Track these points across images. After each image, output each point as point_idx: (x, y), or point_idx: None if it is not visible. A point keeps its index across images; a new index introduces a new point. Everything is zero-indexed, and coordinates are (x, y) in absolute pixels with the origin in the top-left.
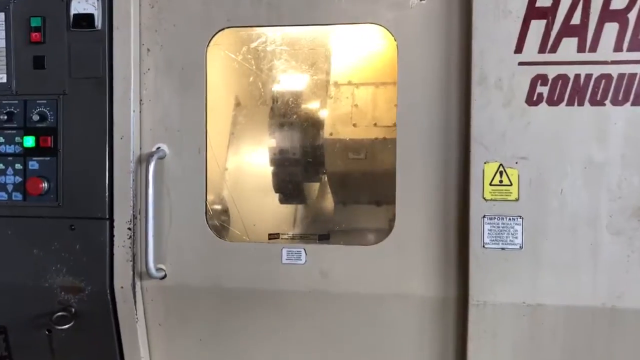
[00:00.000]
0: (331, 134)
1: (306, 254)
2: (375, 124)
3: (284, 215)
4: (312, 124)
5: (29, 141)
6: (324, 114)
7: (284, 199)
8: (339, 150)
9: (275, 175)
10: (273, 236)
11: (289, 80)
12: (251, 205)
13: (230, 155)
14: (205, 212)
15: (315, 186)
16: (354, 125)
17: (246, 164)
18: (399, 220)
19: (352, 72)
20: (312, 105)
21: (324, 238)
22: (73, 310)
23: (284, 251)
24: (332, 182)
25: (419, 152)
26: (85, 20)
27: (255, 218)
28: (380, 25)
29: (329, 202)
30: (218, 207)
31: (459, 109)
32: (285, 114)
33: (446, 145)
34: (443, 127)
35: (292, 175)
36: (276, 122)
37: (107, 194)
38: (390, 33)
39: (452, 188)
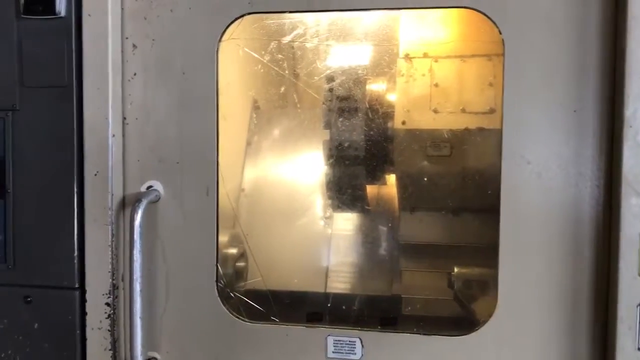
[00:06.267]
0: (404, 123)
1: (363, 345)
2: (463, 110)
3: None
4: (379, 110)
5: None
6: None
7: (339, 206)
8: (414, 145)
9: (329, 176)
10: (313, 316)
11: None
12: (275, 242)
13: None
14: (217, 279)
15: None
16: (434, 111)
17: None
18: (502, 303)
19: (429, 41)
20: (377, 86)
21: (388, 323)
22: None
23: (330, 340)
24: (401, 185)
25: (531, 217)
26: (42, 3)
27: (280, 264)
28: (479, 12)
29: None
30: (232, 251)
31: (598, 139)
32: (343, 97)
33: (577, 194)
34: (571, 166)
35: (352, 178)
36: (332, 109)
37: (75, 254)
38: (494, 23)
39: (586, 260)
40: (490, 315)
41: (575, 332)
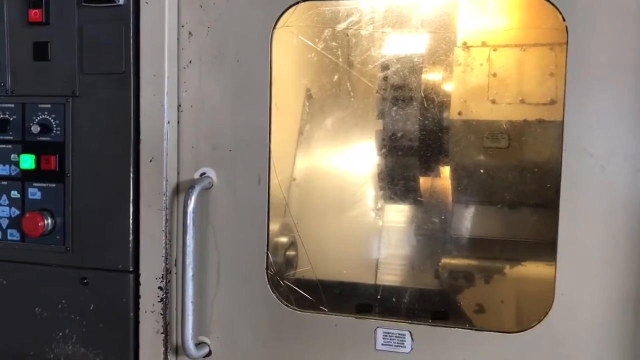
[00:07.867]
0: (460, 114)
1: (412, 339)
2: (522, 100)
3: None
4: (434, 99)
5: (27, 161)
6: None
7: (391, 197)
8: (470, 136)
9: (381, 166)
10: (363, 308)
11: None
12: (326, 231)
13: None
14: (267, 267)
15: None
16: (492, 101)
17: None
18: (559, 301)
19: (488, 29)
20: (433, 75)
21: (439, 317)
22: None
23: (380, 333)
24: (456, 177)
25: (592, 212)
26: None
27: (330, 254)
28: None
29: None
30: (283, 239)
31: None
32: (398, 86)
33: None
34: (638, 159)
35: (405, 169)
36: (386, 98)
37: (131, 238)
38: (558, 10)
39: None
40: (545, 314)
41: (638, 335)
